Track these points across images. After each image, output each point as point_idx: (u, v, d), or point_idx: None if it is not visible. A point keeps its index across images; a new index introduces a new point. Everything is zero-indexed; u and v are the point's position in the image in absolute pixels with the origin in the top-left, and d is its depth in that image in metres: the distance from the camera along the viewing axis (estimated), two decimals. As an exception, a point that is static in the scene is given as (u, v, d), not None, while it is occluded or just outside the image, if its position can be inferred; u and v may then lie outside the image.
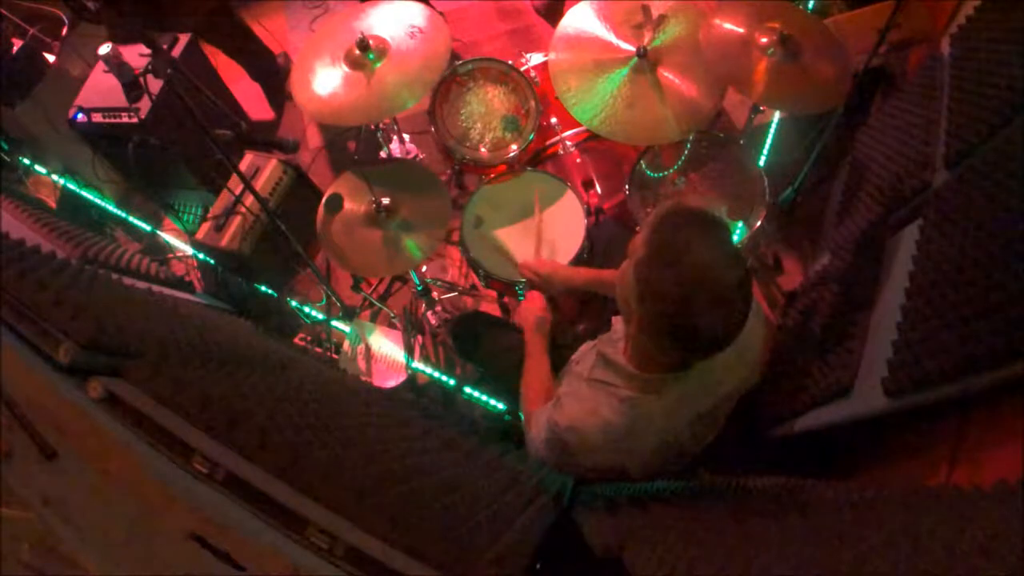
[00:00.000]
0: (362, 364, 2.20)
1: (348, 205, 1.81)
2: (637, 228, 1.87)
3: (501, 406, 2.01)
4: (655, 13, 1.83)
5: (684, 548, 0.82)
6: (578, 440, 1.18)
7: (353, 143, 2.89)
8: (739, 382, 1.23)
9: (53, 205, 2.52)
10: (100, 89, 2.31)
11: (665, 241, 1.00)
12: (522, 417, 1.47)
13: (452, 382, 2.15)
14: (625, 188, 1.91)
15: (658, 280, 0.99)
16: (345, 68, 1.79)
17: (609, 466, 1.20)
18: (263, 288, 2.36)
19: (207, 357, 1.13)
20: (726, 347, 1.01)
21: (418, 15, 1.85)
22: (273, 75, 3.00)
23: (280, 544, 0.64)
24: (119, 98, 2.23)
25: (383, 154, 2.42)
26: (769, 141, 2.42)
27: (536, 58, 2.12)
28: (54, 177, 2.52)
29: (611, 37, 1.86)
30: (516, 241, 1.86)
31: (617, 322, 1.41)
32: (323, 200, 1.81)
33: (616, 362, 1.18)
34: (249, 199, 2.05)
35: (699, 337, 1.00)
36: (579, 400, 1.21)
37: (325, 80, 1.79)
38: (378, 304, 2.40)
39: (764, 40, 1.68)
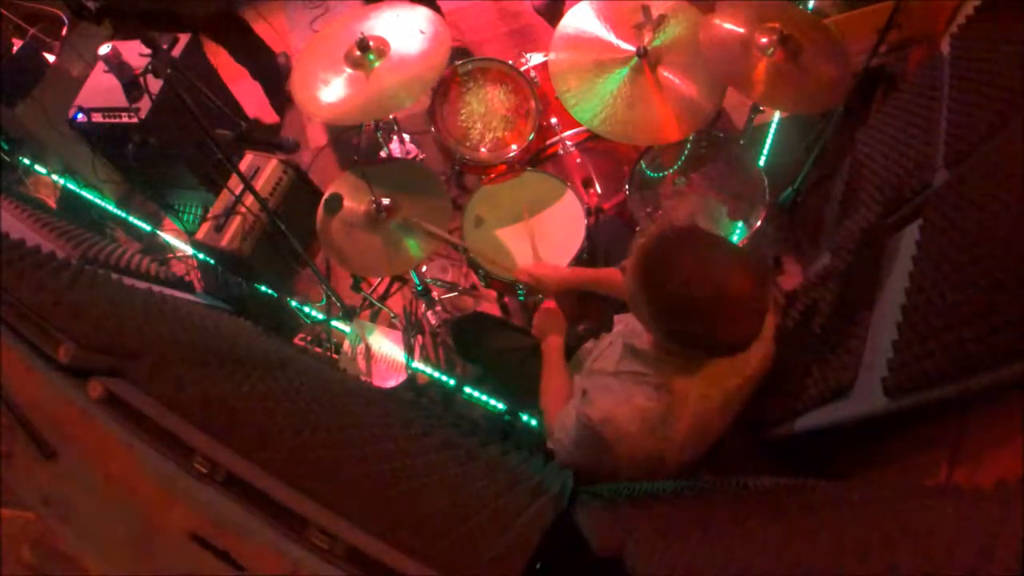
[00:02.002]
0: (362, 364, 2.20)
1: (348, 205, 1.81)
2: (637, 228, 1.87)
3: (501, 406, 2.01)
4: (655, 13, 1.83)
5: (684, 548, 0.82)
6: (615, 432, 1.17)
7: (355, 141, 2.89)
8: (761, 360, 1.27)
9: (53, 205, 2.52)
10: (100, 89, 2.31)
11: (655, 261, 1.07)
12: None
13: (452, 382, 2.15)
14: (625, 188, 1.91)
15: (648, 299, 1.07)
16: (346, 68, 1.79)
17: (646, 456, 1.20)
18: (263, 288, 2.36)
19: (207, 357, 1.13)
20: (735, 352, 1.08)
21: (421, 18, 1.86)
22: (273, 75, 3.00)
23: (280, 544, 0.64)
24: (119, 98, 2.23)
25: (383, 154, 2.42)
26: (769, 141, 2.42)
27: (536, 58, 2.12)
28: (54, 177, 2.52)
29: (611, 37, 1.86)
30: (516, 241, 1.86)
31: (619, 320, 1.41)
32: (323, 200, 1.81)
33: (644, 351, 1.20)
34: (249, 199, 2.05)
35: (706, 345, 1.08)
36: (610, 392, 1.21)
37: (325, 80, 1.79)
38: (378, 304, 2.40)
39: (764, 40, 1.68)
